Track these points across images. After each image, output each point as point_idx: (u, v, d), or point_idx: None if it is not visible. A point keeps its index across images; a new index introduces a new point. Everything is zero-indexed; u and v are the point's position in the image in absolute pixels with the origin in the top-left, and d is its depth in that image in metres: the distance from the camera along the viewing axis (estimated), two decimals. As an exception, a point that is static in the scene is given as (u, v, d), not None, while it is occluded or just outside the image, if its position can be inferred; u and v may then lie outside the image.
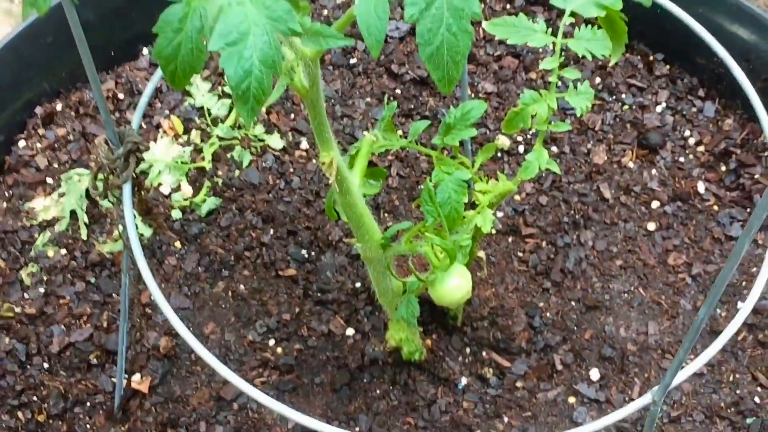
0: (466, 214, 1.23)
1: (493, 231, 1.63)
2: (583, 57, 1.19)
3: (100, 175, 1.11)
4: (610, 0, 1.13)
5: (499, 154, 1.73)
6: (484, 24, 1.18)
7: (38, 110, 1.76)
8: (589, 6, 1.16)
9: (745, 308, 1.04)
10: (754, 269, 1.59)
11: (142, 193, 1.14)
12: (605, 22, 1.17)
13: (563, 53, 1.19)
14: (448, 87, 0.82)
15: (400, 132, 1.70)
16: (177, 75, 0.88)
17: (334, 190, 1.16)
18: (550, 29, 1.17)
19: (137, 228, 1.15)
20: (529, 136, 1.74)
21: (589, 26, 1.19)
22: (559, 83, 1.20)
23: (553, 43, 1.17)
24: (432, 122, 1.69)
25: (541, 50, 1.82)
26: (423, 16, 0.79)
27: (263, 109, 1.73)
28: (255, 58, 0.76)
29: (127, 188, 1.09)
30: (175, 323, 1.03)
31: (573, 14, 1.15)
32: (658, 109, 1.79)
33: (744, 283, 1.59)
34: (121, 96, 1.78)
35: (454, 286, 1.20)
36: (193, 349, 1.03)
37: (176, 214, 1.63)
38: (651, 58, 1.86)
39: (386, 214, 1.64)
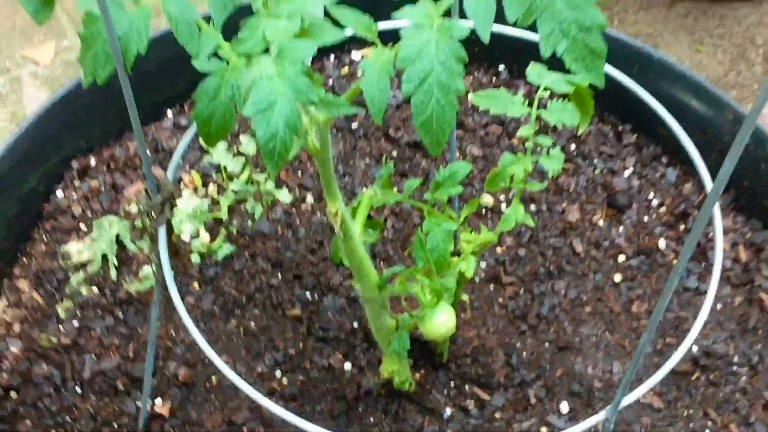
0: (452, 260, 1.35)
1: (477, 279, 1.74)
2: (555, 126, 1.31)
3: (138, 221, 1.23)
4: (578, 78, 1.27)
5: (483, 212, 1.84)
6: (470, 96, 1.31)
7: (74, 164, 1.88)
8: (560, 83, 1.30)
9: (687, 341, 1.16)
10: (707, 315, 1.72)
11: (173, 236, 1.27)
12: (575, 96, 1.30)
13: (541, 123, 1.32)
14: (437, 150, 0.94)
15: (395, 189, 1.81)
16: (211, 135, 1.01)
17: (339, 236, 1.27)
18: (527, 101, 1.30)
19: (161, 268, 1.27)
20: (510, 196, 1.86)
21: (561, 99, 1.32)
22: (539, 149, 1.33)
23: (530, 113, 1.30)
24: (424, 181, 1.81)
25: (522, 119, 1.94)
26: (417, 91, 0.91)
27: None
28: (281, 123, 0.89)
29: (162, 231, 1.21)
30: (203, 346, 1.15)
31: (548, 88, 1.28)
32: (626, 173, 1.92)
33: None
34: (148, 152, 1.90)
35: (440, 321, 1.31)
36: (219, 368, 1.15)
37: (195, 258, 1.74)
38: (620, 128, 1.98)
39: (382, 262, 1.75)
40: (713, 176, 1.58)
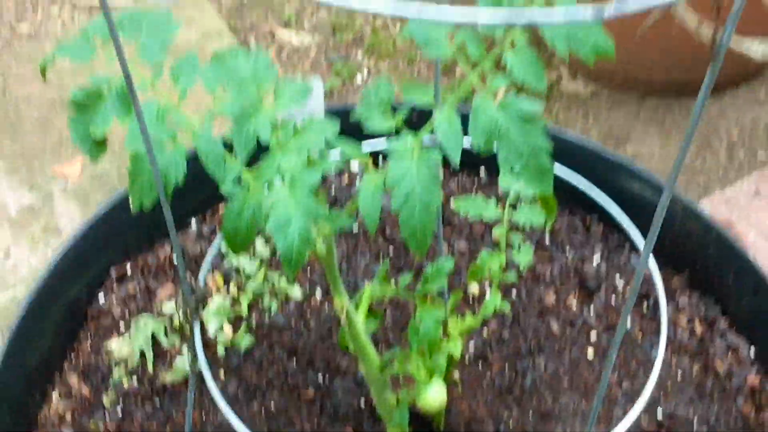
0: (442, 343, 1.49)
1: (467, 358, 1.88)
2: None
3: (175, 320, 1.39)
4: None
5: (470, 299, 1.99)
6: (452, 202, 1.47)
7: (112, 272, 2.02)
8: (527, 188, 1.47)
9: (641, 400, 1.31)
10: (669, 382, 1.86)
11: (206, 332, 1.42)
12: (541, 199, 1.46)
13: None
14: (422, 253, 1.08)
15: (393, 282, 1.95)
16: (237, 245, 1.16)
17: (345, 327, 1.42)
18: (501, 203, 1.46)
19: (197, 359, 1.43)
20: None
21: (529, 203, 1.49)
22: (517, 243, 1.50)
23: (502, 215, 1.47)
24: (417, 274, 1.96)
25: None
26: (402, 207, 1.06)
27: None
28: (296, 236, 1.05)
29: (196, 328, 1.37)
30: (236, 426, 1.30)
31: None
32: (595, 260, 2.05)
33: (661, 394, 1.84)
34: (175, 259, 2.06)
35: (434, 396, 1.44)
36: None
37: (220, 350, 1.88)
38: (587, 220, 2.13)
39: (383, 346, 1.88)
40: (666, 261, 1.74)
